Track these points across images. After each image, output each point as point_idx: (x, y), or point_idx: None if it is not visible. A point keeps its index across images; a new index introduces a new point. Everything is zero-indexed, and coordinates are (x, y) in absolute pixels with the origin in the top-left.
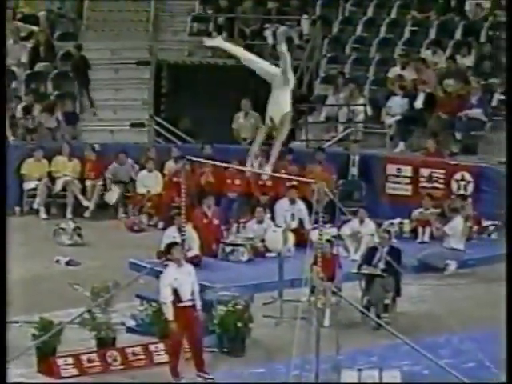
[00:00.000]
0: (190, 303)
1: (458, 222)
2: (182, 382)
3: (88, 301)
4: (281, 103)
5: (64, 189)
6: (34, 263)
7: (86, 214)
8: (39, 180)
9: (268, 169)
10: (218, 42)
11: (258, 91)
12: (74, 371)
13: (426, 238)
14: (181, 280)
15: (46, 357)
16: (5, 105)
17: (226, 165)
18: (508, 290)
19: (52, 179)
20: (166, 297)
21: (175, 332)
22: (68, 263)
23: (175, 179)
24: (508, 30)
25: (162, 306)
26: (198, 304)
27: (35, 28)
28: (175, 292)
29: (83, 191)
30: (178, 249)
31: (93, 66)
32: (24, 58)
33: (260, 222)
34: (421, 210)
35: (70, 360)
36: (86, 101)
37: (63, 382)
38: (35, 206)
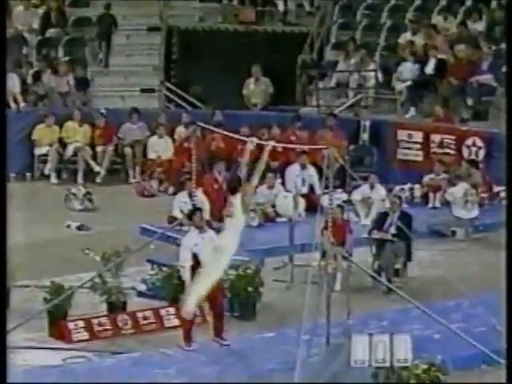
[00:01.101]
0: None
1: (457, 189)
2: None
3: (99, 265)
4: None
5: (75, 154)
6: (45, 228)
7: (97, 180)
8: (50, 146)
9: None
10: None
11: (269, 57)
12: (85, 335)
13: (437, 204)
14: (201, 246)
15: (57, 320)
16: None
17: (234, 135)
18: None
19: (63, 145)
20: (185, 261)
21: None
22: (79, 228)
23: (186, 145)
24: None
25: (180, 269)
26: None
27: None
28: (195, 257)
29: (94, 157)
30: (199, 215)
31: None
32: (35, 24)
33: (271, 187)
34: (432, 175)
35: (81, 324)
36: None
37: (73, 348)
38: (46, 171)
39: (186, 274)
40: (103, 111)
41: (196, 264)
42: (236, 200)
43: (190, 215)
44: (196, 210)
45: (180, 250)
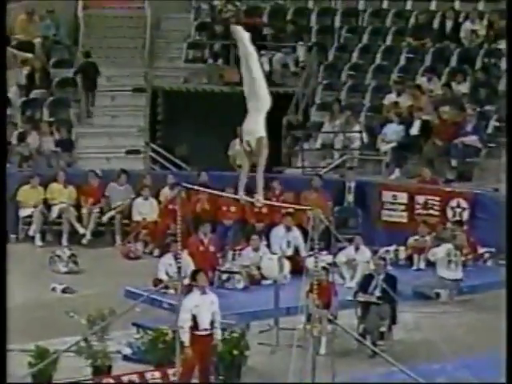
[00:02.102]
0: (206, 332)
1: (440, 250)
2: None
3: (84, 329)
4: (254, 127)
5: (60, 216)
6: (30, 291)
7: (83, 242)
8: (35, 207)
9: (260, 197)
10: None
11: None
12: None
13: (422, 266)
14: (201, 308)
15: None
16: (5, 130)
17: (220, 193)
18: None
19: (48, 206)
20: (185, 322)
21: (189, 358)
22: (64, 291)
23: (171, 206)
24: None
25: (179, 330)
26: (218, 334)
27: (30, 55)
28: (194, 319)
29: (79, 218)
30: (203, 276)
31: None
32: (20, 84)
33: (256, 249)
34: (416, 237)
35: None
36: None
37: None
38: (31, 233)
39: (184, 336)
40: (98, 172)
41: (194, 326)
42: None
43: (194, 275)
44: (199, 270)
45: (180, 311)
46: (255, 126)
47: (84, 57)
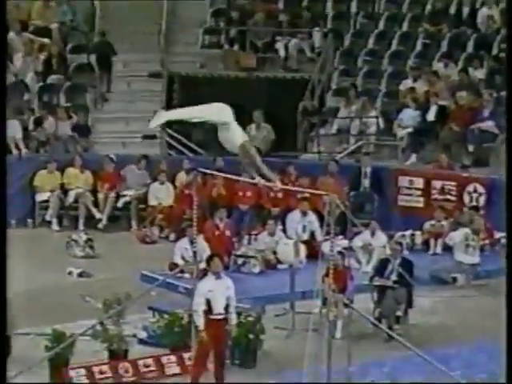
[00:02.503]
0: (220, 317)
1: (458, 234)
2: None
3: (100, 313)
4: (231, 138)
5: (76, 201)
6: (46, 275)
7: (99, 226)
8: (51, 192)
9: (277, 182)
10: (160, 117)
11: (270, 103)
12: (87, 383)
13: (438, 250)
14: (215, 292)
15: (58, 368)
16: (5, 126)
17: (237, 178)
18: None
19: (64, 191)
20: (199, 306)
21: (204, 342)
22: (80, 275)
23: (187, 191)
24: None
25: (193, 314)
26: (233, 318)
27: (47, 40)
28: (208, 303)
29: (95, 203)
30: (218, 261)
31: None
32: (36, 70)
33: (271, 234)
34: (433, 221)
35: (83, 371)
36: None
37: None
38: (47, 217)
39: (198, 319)
40: (112, 156)
41: (208, 310)
42: None
43: (208, 260)
44: (214, 255)
45: (194, 295)
46: (231, 136)
47: (99, 36)
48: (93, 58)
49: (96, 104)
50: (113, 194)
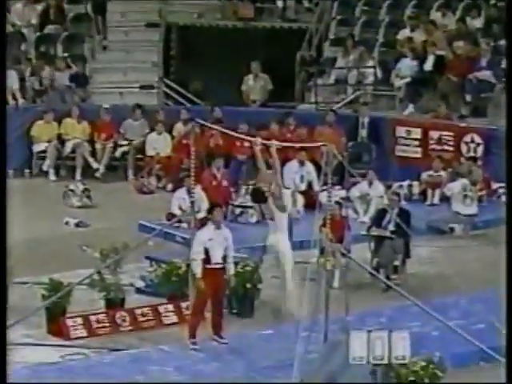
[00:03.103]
0: (218, 266)
1: (456, 185)
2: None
3: (97, 262)
4: None
5: (73, 151)
6: (44, 225)
7: (96, 176)
8: (49, 142)
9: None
10: None
11: (268, 53)
12: (84, 332)
13: (436, 201)
14: (214, 242)
15: (55, 317)
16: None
17: (233, 133)
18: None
19: (61, 141)
20: (198, 253)
21: (202, 290)
22: (77, 225)
23: (184, 141)
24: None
25: (191, 262)
26: (231, 268)
27: None
28: (206, 252)
29: (93, 153)
30: (220, 211)
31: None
32: (34, 21)
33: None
34: (430, 172)
35: (80, 320)
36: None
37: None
38: (45, 167)
39: (196, 267)
40: (107, 106)
41: (207, 259)
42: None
43: (210, 210)
44: (217, 205)
45: (193, 243)
46: None
47: None
48: (89, 7)
49: (93, 53)
50: (110, 144)
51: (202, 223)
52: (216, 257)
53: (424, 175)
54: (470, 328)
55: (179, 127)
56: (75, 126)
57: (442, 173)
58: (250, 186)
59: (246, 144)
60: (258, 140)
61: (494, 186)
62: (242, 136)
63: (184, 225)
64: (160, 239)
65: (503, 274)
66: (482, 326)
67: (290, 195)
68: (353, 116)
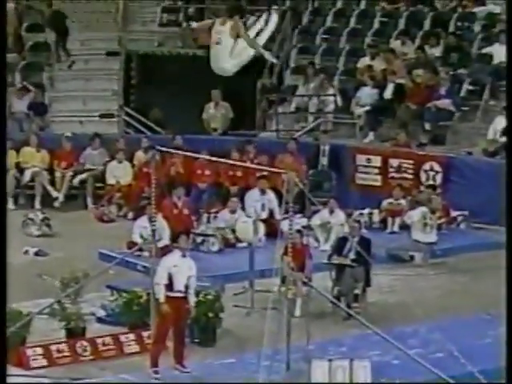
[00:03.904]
0: (180, 295)
1: (416, 213)
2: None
3: (57, 291)
4: None
5: (32, 179)
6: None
7: (55, 205)
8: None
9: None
10: None
11: (229, 81)
12: (44, 361)
13: (396, 229)
14: (179, 269)
15: (15, 347)
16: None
17: (195, 155)
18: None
19: (20, 170)
20: (161, 279)
21: (165, 315)
22: (37, 254)
23: (145, 169)
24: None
25: (154, 287)
26: (192, 299)
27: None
28: (170, 279)
29: (52, 182)
30: (185, 238)
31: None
32: None
33: (233, 211)
34: (391, 200)
35: (40, 350)
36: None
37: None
38: None
39: (160, 292)
40: (69, 134)
41: (170, 286)
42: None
43: (176, 237)
44: (183, 232)
45: (157, 269)
46: None
47: (48, 7)
48: (51, 35)
49: (52, 82)
50: (70, 173)
51: (164, 252)
52: (179, 284)
53: (384, 203)
54: (429, 357)
55: (140, 155)
56: (34, 154)
57: (402, 201)
58: (212, 215)
59: (207, 172)
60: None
61: (453, 214)
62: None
63: (145, 253)
64: (121, 268)
65: (460, 301)
66: (441, 355)
67: (251, 223)
68: (313, 144)
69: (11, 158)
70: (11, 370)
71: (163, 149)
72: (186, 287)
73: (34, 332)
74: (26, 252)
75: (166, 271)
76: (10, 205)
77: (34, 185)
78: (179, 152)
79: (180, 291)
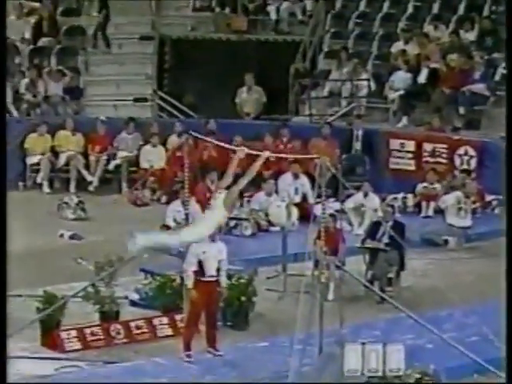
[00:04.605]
0: (212, 279)
1: (450, 197)
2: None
3: (91, 275)
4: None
5: (67, 163)
6: (38, 237)
7: (90, 189)
8: (42, 154)
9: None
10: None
11: (262, 66)
12: (78, 345)
13: (430, 213)
14: (208, 254)
15: (49, 330)
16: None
17: (226, 145)
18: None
19: (55, 154)
20: (190, 265)
21: (195, 302)
22: (72, 237)
23: (178, 153)
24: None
25: (184, 274)
26: (224, 281)
27: (37, 4)
28: (200, 265)
29: (87, 166)
30: None
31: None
32: (27, 34)
33: (269, 194)
34: (425, 184)
35: (74, 333)
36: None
37: (66, 357)
38: (39, 180)
39: (187, 279)
40: (103, 118)
41: (201, 272)
42: (220, 195)
43: None
44: None
45: (187, 255)
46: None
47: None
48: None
49: (87, 66)
50: (104, 157)
51: None
52: (210, 269)
53: (419, 187)
54: (464, 341)
55: (173, 140)
56: (69, 138)
57: (437, 185)
58: (245, 199)
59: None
60: (244, 150)
61: (488, 198)
62: (230, 147)
63: None
64: (155, 252)
65: (499, 286)
66: (476, 339)
67: (284, 208)
68: (347, 129)
69: (46, 141)
70: (46, 352)
71: (196, 134)
72: (218, 270)
73: (69, 315)
74: (62, 235)
75: (194, 258)
76: (46, 188)
77: (68, 169)
78: (210, 140)
79: (212, 276)
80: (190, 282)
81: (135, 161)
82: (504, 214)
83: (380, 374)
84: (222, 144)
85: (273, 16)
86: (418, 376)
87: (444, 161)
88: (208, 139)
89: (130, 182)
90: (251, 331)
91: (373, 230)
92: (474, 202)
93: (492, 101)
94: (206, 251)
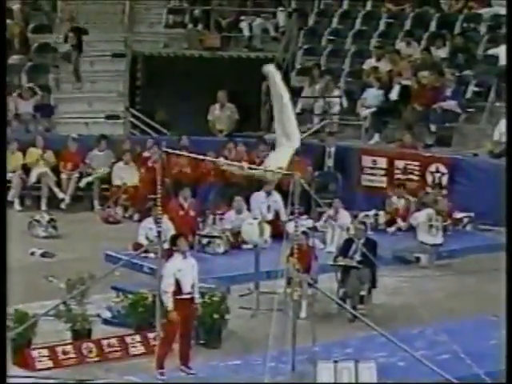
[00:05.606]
0: (189, 296)
1: (421, 214)
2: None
3: (63, 293)
4: (281, 158)
5: (38, 181)
6: (9, 255)
7: (62, 206)
8: (13, 172)
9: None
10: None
11: (234, 83)
12: (49, 363)
13: (399, 228)
14: (184, 272)
15: (20, 349)
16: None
17: (200, 157)
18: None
19: (26, 171)
20: (169, 286)
21: (172, 321)
22: (43, 255)
23: (150, 164)
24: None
25: (162, 295)
26: (197, 298)
27: (8, 21)
28: (177, 283)
29: (58, 183)
30: (184, 240)
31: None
32: None
33: (239, 211)
34: (394, 199)
35: (45, 352)
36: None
37: (37, 376)
38: (9, 198)
39: (168, 300)
40: (75, 136)
41: (178, 290)
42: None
43: (174, 240)
44: (179, 235)
45: (163, 276)
46: (282, 157)
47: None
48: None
49: (58, 83)
50: (76, 174)
51: (169, 253)
52: (186, 286)
53: (387, 203)
54: (435, 358)
55: (146, 156)
56: (40, 155)
57: (403, 200)
58: (218, 216)
59: (213, 173)
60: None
61: (459, 215)
62: (209, 158)
63: (151, 255)
64: (127, 269)
65: (466, 303)
66: (447, 356)
67: (256, 225)
68: (319, 145)
69: (17, 159)
70: (17, 371)
71: (169, 150)
72: (193, 287)
73: (40, 333)
74: (33, 253)
75: (172, 277)
76: (17, 206)
77: (40, 186)
78: (185, 154)
79: (188, 293)
80: (170, 304)
81: (107, 178)
82: (476, 231)
83: None
84: (197, 156)
85: (246, 32)
86: None
87: (416, 178)
88: (183, 153)
89: (102, 200)
90: (224, 349)
91: (345, 248)
92: (445, 219)
93: (463, 118)
94: (182, 269)
